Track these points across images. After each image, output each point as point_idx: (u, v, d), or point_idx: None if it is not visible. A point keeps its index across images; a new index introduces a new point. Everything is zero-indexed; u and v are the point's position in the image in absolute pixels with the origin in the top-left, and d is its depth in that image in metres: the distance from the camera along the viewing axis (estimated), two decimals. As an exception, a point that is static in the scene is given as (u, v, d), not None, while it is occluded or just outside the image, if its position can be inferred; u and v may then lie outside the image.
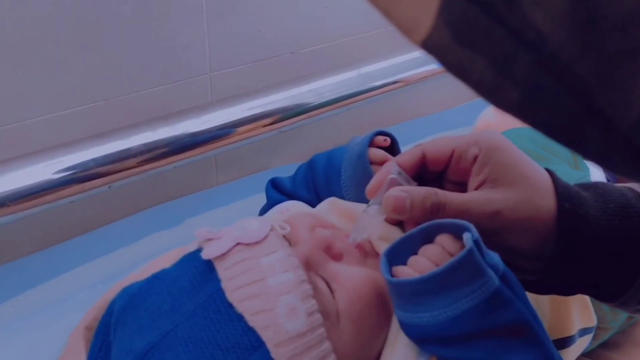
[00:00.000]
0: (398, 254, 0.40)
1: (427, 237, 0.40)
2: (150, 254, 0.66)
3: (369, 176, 0.50)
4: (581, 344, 0.55)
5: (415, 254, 0.40)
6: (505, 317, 0.37)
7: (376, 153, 0.52)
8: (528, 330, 0.38)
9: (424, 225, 0.40)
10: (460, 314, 0.36)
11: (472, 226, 0.37)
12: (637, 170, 0.18)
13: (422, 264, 0.38)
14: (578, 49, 0.16)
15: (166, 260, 0.57)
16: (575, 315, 0.52)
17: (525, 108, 0.18)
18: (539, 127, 0.18)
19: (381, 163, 0.51)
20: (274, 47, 0.84)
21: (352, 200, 0.52)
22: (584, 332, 0.54)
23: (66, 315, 0.57)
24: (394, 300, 0.40)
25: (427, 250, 0.39)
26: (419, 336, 0.39)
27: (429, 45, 0.18)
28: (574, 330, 0.52)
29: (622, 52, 0.15)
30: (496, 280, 0.36)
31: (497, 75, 0.17)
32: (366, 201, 0.45)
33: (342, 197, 0.52)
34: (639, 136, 0.16)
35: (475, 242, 0.36)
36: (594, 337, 0.58)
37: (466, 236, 0.37)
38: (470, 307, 0.36)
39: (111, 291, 0.54)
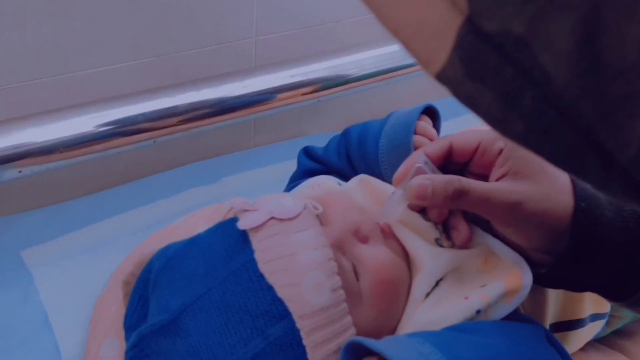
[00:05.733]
0: None
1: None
2: (187, 207, 0.70)
3: (409, 151, 0.52)
4: (592, 329, 0.56)
5: None
6: None
7: (422, 126, 0.54)
8: None
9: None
10: None
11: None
12: (636, 200, 0.19)
13: None
14: (581, 90, 0.17)
15: (202, 215, 0.61)
16: (587, 299, 0.53)
17: (529, 139, 0.19)
18: (542, 155, 0.19)
19: (426, 136, 0.53)
20: (320, 14, 0.85)
21: (387, 168, 0.53)
22: (595, 317, 0.55)
23: (108, 257, 0.61)
24: None
25: None
26: None
27: (443, 78, 0.19)
28: (584, 314, 0.53)
29: (622, 96, 0.16)
30: None
31: (504, 108, 0.18)
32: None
33: (376, 162, 0.54)
34: (637, 169, 0.17)
35: None
36: (607, 324, 0.59)
37: None
38: None
39: (149, 241, 0.58)
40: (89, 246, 0.64)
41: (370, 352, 0.39)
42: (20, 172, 0.60)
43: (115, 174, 0.75)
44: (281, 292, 0.40)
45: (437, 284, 0.45)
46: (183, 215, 0.64)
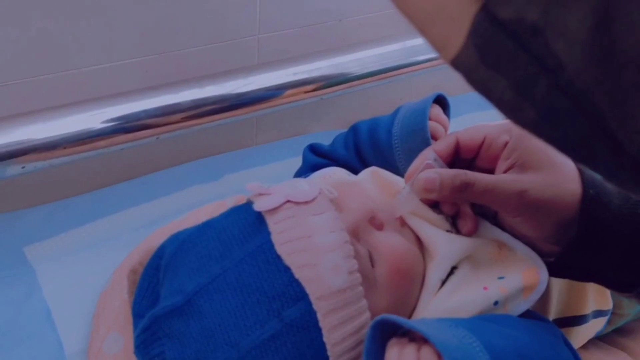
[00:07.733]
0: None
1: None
2: (189, 204, 0.70)
3: (425, 135, 0.52)
4: (594, 326, 0.56)
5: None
6: None
7: (435, 113, 0.54)
8: None
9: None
10: None
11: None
12: None
13: None
14: (593, 79, 0.17)
15: (205, 211, 0.61)
16: (590, 295, 0.53)
17: (541, 127, 0.19)
18: (553, 144, 0.19)
19: (439, 122, 0.54)
20: (322, 13, 0.85)
21: (401, 155, 0.54)
22: (598, 314, 0.55)
23: (111, 254, 0.61)
24: None
25: None
26: None
27: (457, 64, 0.19)
28: (587, 310, 0.53)
29: (633, 85, 0.16)
30: None
31: (517, 96, 0.18)
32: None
33: (390, 150, 0.54)
34: None
35: None
36: (608, 322, 0.59)
37: None
38: None
39: (153, 236, 0.58)
40: (92, 242, 0.65)
41: (397, 333, 0.39)
42: (23, 168, 0.61)
43: (118, 170, 0.75)
44: (298, 273, 0.40)
45: (452, 272, 0.45)
46: (185, 212, 0.64)
